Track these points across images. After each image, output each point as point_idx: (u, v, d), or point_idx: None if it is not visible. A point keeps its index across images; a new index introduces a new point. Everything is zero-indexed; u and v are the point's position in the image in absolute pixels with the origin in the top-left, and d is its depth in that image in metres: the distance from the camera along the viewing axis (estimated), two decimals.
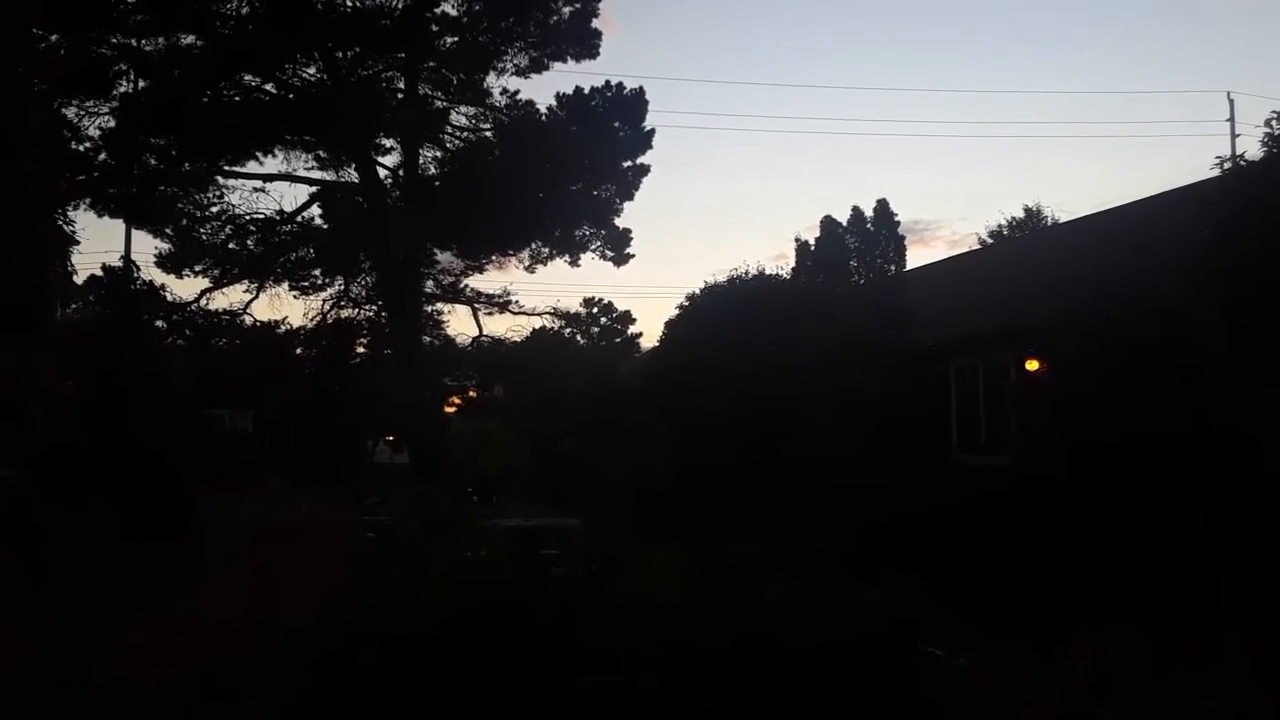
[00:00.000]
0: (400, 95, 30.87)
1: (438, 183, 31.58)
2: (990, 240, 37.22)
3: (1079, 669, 6.66)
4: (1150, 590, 9.00)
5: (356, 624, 7.17)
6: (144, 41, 28.24)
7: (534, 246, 33.01)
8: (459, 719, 6.35)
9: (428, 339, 33.53)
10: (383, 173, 31.86)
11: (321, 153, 31.10)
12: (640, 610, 7.76)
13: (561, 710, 6.51)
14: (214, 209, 31.48)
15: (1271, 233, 9.52)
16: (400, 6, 28.66)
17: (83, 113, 27.94)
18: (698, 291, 21.70)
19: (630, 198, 31.94)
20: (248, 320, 32.54)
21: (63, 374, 18.17)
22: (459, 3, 29.14)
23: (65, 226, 18.10)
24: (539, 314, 34.56)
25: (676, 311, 22.69)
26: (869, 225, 18.81)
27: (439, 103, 31.70)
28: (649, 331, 49.25)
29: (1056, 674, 6.55)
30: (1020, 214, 37.98)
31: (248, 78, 29.78)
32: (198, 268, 31.74)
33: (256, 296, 32.26)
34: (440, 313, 34.40)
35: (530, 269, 33.85)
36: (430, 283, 33.24)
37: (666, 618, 7.60)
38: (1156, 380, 10.55)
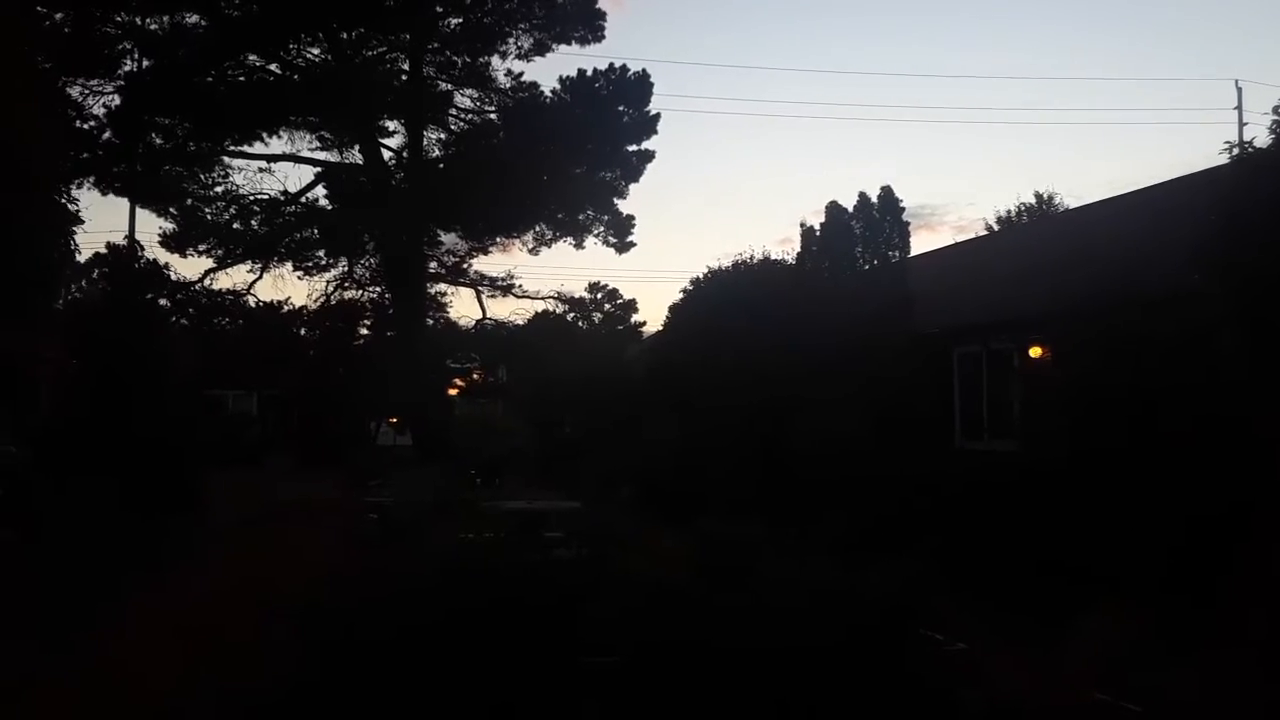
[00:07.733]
0: (404, 77, 30.80)
1: (441, 164, 31.55)
2: (997, 226, 37.09)
3: (1080, 654, 6.66)
4: (1154, 577, 9.00)
5: (356, 603, 7.19)
6: (148, 20, 28.23)
7: (538, 229, 33.01)
8: (458, 698, 6.37)
9: (431, 321, 33.52)
10: (387, 154, 31.88)
11: (326, 134, 31.10)
12: (641, 593, 7.78)
13: (561, 690, 6.53)
14: (218, 189, 31.56)
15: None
16: None
17: (87, 91, 28.02)
18: (702, 276, 21.67)
19: (635, 181, 31.94)
20: (251, 301, 32.58)
21: (67, 352, 18.20)
22: None
23: (69, 205, 18.08)
24: (543, 298, 34.56)
25: (681, 296, 22.68)
26: (874, 211, 18.72)
27: (443, 84, 31.68)
28: (653, 316, 49.21)
29: (1057, 658, 6.56)
30: (1031, 200, 37.80)
31: (252, 58, 29.77)
32: (202, 247, 31.79)
33: (260, 277, 32.32)
34: (444, 295, 34.41)
35: (534, 251, 33.87)
36: (434, 264, 33.26)
37: (668, 600, 7.61)
38: (1162, 368, 10.52)
